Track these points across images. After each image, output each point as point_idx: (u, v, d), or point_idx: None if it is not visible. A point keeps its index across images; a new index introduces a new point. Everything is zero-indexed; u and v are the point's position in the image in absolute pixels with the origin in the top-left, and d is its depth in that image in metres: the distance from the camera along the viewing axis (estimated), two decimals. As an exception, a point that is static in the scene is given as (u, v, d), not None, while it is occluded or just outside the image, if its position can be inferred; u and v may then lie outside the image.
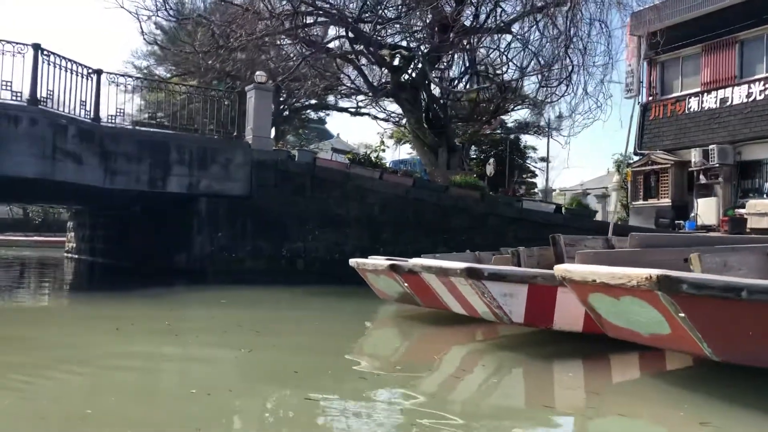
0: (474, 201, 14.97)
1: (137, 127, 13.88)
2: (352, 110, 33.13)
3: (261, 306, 10.53)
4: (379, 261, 8.19)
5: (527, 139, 35.64)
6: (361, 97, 31.75)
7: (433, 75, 18.06)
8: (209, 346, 6.50)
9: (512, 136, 34.16)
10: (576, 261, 5.38)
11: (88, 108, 12.97)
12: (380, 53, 16.24)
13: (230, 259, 13.63)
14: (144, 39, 17.15)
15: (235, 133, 14.87)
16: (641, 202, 24.76)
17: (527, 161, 35.74)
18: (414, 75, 18.22)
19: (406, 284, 7.47)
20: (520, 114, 30.84)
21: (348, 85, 20.06)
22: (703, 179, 21.40)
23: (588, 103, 16.59)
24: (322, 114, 34.24)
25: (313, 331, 7.76)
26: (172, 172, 13.69)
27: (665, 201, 23.51)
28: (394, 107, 24.04)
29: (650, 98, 25.01)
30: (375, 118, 33.18)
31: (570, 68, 15.70)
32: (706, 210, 20.94)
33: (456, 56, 18.55)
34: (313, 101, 27.42)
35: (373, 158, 15.56)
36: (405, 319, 8.25)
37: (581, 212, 15.04)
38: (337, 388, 4.78)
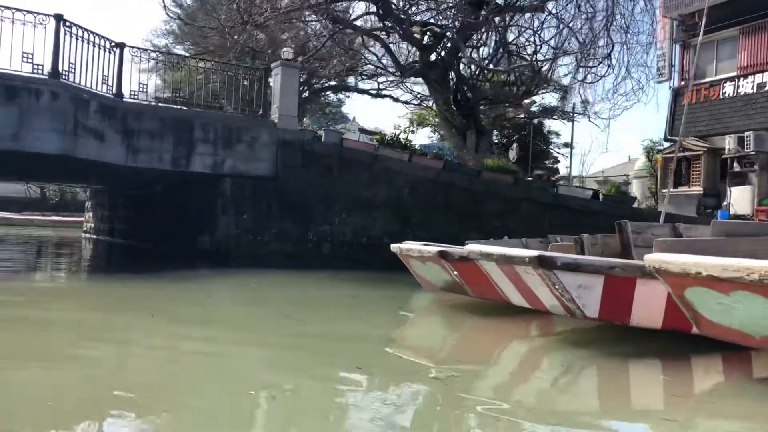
0: (507, 186, 14.41)
1: (160, 104, 13.38)
2: (373, 92, 32.59)
3: (294, 291, 10.05)
4: (425, 247, 7.65)
5: (550, 124, 34.89)
6: (381, 79, 31.22)
7: (465, 53, 17.42)
8: (252, 336, 6.04)
9: (536, 121, 33.38)
10: (655, 250, 4.84)
11: (110, 83, 12.50)
12: (411, 30, 15.61)
13: (255, 241, 13.17)
14: (166, 14, 16.60)
15: (260, 112, 14.36)
16: (672, 189, 24.06)
17: (550, 146, 34.99)
18: (443, 54, 17.60)
19: (455, 272, 6.95)
20: (544, 98, 30.14)
21: (374, 64, 19.41)
22: (737, 167, 20.67)
23: (629, 83, 15.92)
24: (341, 96, 33.67)
25: (358, 319, 7.29)
26: (195, 151, 13.22)
27: (696, 189, 22.83)
28: (418, 88, 23.43)
29: (682, 83, 24.21)
30: (396, 100, 32.64)
31: (611, 47, 15.02)
32: (740, 199, 20.24)
33: (487, 35, 17.89)
34: (333, 82, 26.82)
35: (402, 139, 14.97)
36: (450, 308, 7.73)
37: (620, 199, 14.44)
38: (405, 385, 4.30)
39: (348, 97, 32.24)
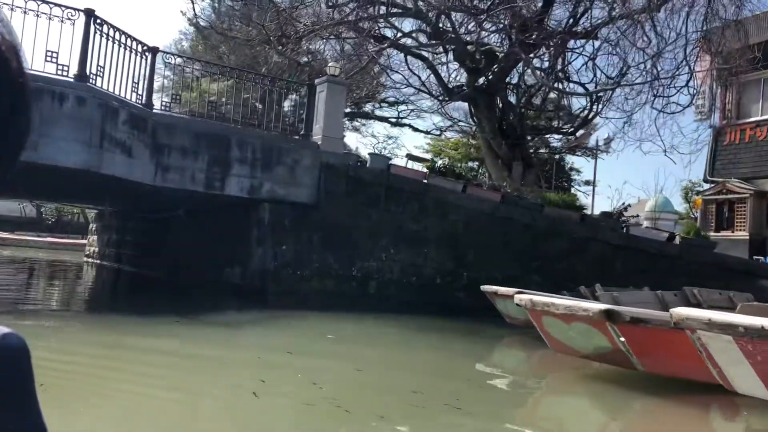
0: (573, 223, 12.94)
1: (194, 118, 11.90)
2: (393, 120, 31.27)
3: (380, 348, 8.30)
4: (577, 303, 5.92)
5: (573, 161, 33.66)
6: (402, 108, 29.92)
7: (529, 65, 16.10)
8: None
9: (557, 156, 32.15)
10: None
11: (139, 92, 11.03)
12: (466, 49, 14.28)
13: (295, 277, 11.58)
14: (195, 22, 15.20)
15: (302, 132, 12.90)
16: (712, 233, 22.69)
17: (572, 183, 33.65)
18: (491, 78, 16.27)
19: (622, 338, 5.35)
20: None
21: (415, 87, 18.06)
22: (786, 211, 19.38)
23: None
24: (357, 123, 32.37)
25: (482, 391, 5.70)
26: (231, 172, 11.71)
27: (741, 234, 21.47)
28: (455, 114, 22.03)
29: (724, 122, 22.97)
30: (416, 130, 31.34)
31: (689, 76, 13.74)
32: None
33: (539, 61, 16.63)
34: (349, 108, 25.47)
35: (455, 168, 13.52)
36: (586, 378, 6.12)
37: (700, 243, 12.97)
38: None
39: (364, 125, 30.97)
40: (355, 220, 12.45)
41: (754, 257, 19.21)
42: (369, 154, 13.69)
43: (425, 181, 13.04)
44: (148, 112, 10.94)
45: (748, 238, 20.78)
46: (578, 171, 34.89)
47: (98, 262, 21.14)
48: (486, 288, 9.45)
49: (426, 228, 12.76)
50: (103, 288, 14.58)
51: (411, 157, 16.14)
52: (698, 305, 6.17)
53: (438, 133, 30.87)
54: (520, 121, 17.10)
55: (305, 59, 14.88)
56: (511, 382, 6.49)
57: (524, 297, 5.95)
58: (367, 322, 10.22)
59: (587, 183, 35.46)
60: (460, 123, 22.50)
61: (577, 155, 32.40)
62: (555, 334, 5.82)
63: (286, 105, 12.91)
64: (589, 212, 34.59)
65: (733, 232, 21.45)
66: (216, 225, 13.64)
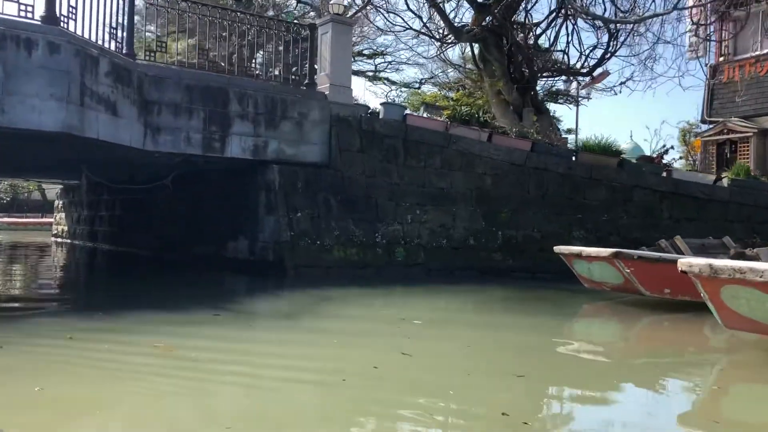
0: (612, 170, 11.65)
1: (184, 68, 10.13)
2: (370, 74, 29.49)
3: (452, 320, 6.91)
4: None
5: (555, 109, 32.45)
6: (379, 60, 28.15)
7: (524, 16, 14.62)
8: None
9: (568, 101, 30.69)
10: None
11: (118, 38, 9.22)
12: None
13: (314, 247, 10.07)
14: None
15: (306, 81, 11.25)
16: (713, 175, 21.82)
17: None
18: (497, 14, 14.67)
19: None
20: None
21: (414, 29, 16.34)
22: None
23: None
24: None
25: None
26: (232, 130, 10.06)
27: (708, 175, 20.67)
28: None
29: (721, 59, 21.87)
30: (393, 83, 29.69)
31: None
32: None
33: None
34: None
35: (480, 115, 12.03)
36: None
37: (753, 185, 11.82)
38: None
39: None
40: (373, 179, 10.98)
41: None
42: (382, 103, 12.10)
43: (447, 131, 11.56)
44: (131, 62, 9.17)
45: (714, 178, 20.00)
46: (558, 120, 33.77)
47: (69, 241, 19.23)
48: (562, 249, 8.14)
49: (452, 184, 11.35)
50: (93, 272, 12.77)
51: (429, 105, 14.58)
52: None
53: (417, 86, 29.38)
54: (530, 62, 15.64)
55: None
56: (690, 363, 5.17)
57: (696, 261, 4.57)
58: (419, 295, 8.79)
59: (569, 132, 34.40)
60: (467, 68, 20.71)
61: (559, 102, 31.18)
62: (741, 308, 4.49)
63: (288, 49, 11.21)
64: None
65: (739, 172, 20.60)
66: (212, 193, 11.99)
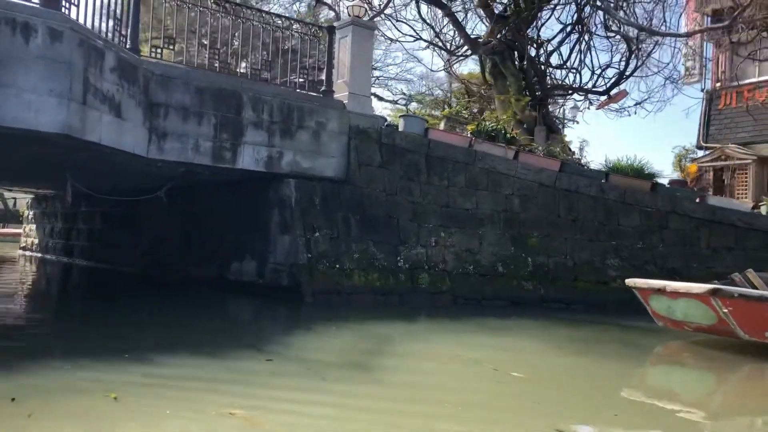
0: (645, 194, 10.88)
1: (194, 69, 9.06)
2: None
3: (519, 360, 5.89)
4: None
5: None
6: (377, 73, 27.33)
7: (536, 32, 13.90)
8: None
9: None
10: None
11: (122, 32, 8.14)
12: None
13: (333, 271, 9.03)
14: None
15: (323, 88, 10.27)
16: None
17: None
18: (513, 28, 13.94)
19: None
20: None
21: (425, 40, 15.50)
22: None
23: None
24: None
25: None
26: (245, 139, 9.01)
27: (744, 201, 20.23)
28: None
29: (718, 84, 21.55)
30: (381, 99, 28.84)
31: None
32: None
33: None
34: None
35: (507, 131, 11.18)
36: None
37: (795, 213, 11.18)
38: None
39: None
40: (394, 197, 10.03)
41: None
42: (401, 116, 11.17)
43: (472, 147, 10.68)
44: (137, 58, 8.08)
45: (752, 205, 19.60)
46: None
47: (39, 255, 17.78)
48: (638, 282, 7.21)
49: (477, 205, 10.46)
50: (79, 292, 11.39)
51: (451, 119, 13.69)
52: None
53: (404, 103, 28.64)
54: (542, 79, 14.92)
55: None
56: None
57: None
58: (477, 333, 7.64)
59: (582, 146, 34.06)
60: (473, 82, 19.93)
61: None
62: None
63: (305, 54, 10.25)
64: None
65: (736, 199, 20.22)
66: (213, 208, 10.88)
